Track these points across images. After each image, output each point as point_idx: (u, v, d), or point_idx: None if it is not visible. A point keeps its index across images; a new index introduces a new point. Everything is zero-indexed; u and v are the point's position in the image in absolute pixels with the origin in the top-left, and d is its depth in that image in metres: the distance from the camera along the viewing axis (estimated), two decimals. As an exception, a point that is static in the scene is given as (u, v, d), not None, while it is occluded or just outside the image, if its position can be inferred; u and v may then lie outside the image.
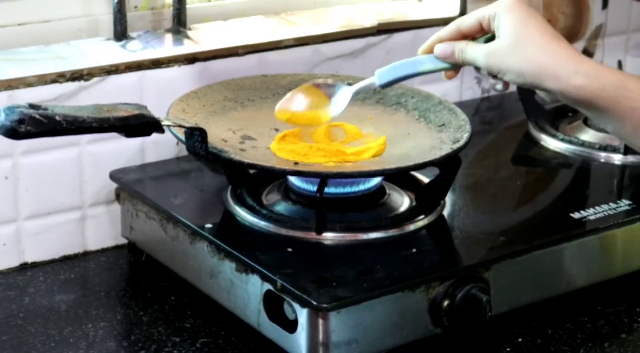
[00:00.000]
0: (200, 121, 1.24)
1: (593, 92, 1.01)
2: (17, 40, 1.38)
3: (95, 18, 1.44)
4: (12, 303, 1.24)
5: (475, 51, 1.08)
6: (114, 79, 1.34)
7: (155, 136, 1.15)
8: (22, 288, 1.28)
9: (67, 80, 1.32)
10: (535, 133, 1.51)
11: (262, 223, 1.21)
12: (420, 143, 1.25)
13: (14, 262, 1.33)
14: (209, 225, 1.21)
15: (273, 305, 1.11)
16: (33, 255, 1.34)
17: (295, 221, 1.20)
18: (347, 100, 1.22)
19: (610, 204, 1.29)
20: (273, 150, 1.23)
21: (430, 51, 1.12)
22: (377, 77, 1.15)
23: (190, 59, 1.40)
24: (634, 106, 1.00)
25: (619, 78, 1.01)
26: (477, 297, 1.13)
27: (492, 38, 1.08)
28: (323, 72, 1.44)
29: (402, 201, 1.27)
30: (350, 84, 1.22)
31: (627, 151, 1.42)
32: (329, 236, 1.18)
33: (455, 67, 1.12)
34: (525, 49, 1.04)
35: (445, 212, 1.26)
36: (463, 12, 1.64)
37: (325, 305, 1.06)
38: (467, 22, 1.10)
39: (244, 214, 1.22)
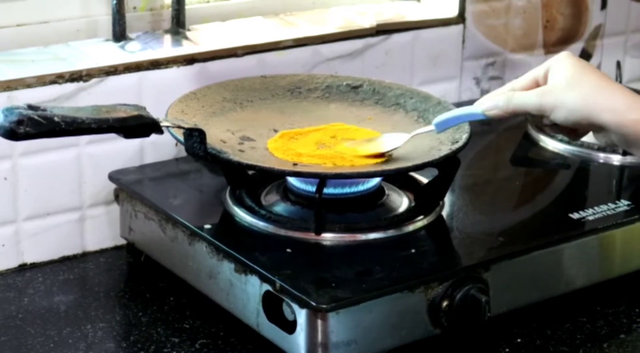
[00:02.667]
0: (199, 122, 1.24)
1: None
2: (16, 41, 1.38)
3: (94, 19, 1.44)
4: (11, 304, 1.24)
5: (525, 94, 1.09)
6: (113, 80, 1.34)
7: (154, 136, 1.15)
8: (21, 289, 1.28)
9: (66, 81, 1.32)
10: (534, 133, 1.51)
11: (261, 224, 1.21)
12: (419, 144, 1.25)
13: (13, 263, 1.33)
14: (208, 226, 1.21)
15: (272, 305, 1.11)
16: (32, 256, 1.34)
17: (294, 222, 1.20)
18: (404, 139, 1.22)
19: (609, 204, 1.29)
20: (270, 148, 1.23)
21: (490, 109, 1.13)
22: (435, 126, 1.18)
23: (189, 59, 1.40)
24: None
25: None
26: (476, 298, 1.13)
27: None
28: (322, 73, 1.44)
29: (401, 201, 1.27)
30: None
31: (626, 151, 1.42)
32: (328, 237, 1.18)
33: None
34: (581, 86, 1.05)
35: (444, 213, 1.26)
36: (462, 12, 1.64)
37: (324, 306, 1.06)
38: (522, 81, 1.11)
39: (243, 215, 1.22)
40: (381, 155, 1.21)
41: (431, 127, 1.19)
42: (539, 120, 1.11)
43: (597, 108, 1.04)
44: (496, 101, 1.11)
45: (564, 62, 1.08)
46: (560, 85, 1.07)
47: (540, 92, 1.08)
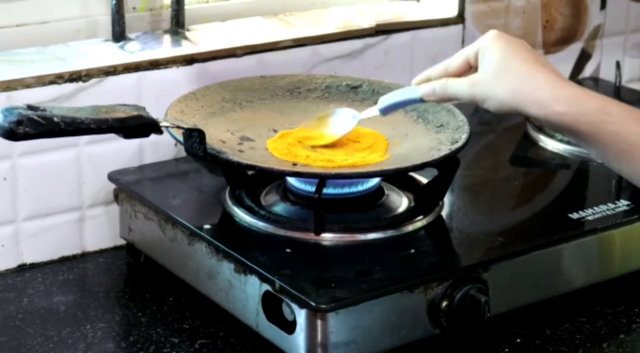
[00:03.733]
0: (199, 122, 1.24)
1: (575, 117, 1.00)
2: (15, 41, 1.38)
3: (94, 19, 1.44)
4: (10, 305, 1.24)
5: (458, 84, 1.09)
6: (112, 80, 1.34)
7: (153, 137, 1.15)
8: (20, 289, 1.28)
9: (66, 81, 1.32)
10: (534, 133, 1.51)
11: (260, 224, 1.21)
12: (418, 144, 1.25)
13: (12, 263, 1.33)
14: (207, 226, 1.21)
15: (272, 305, 1.11)
16: (31, 256, 1.34)
17: (294, 222, 1.20)
18: (353, 124, 1.24)
19: (609, 204, 1.29)
20: (269, 148, 1.23)
21: (422, 81, 1.14)
22: (380, 112, 1.19)
23: (189, 60, 1.40)
24: (615, 131, 0.99)
25: (601, 104, 1.00)
26: (475, 298, 1.13)
27: None
28: (321, 73, 1.44)
29: (401, 201, 1.27)
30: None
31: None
32: (328, 237, 1.18)
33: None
34: (506, 77, 1.04)
35: (444, 213, 1.26)
36: (461, 12, 1.64)
37: (323, 306, 1.06)
38: (455, 63, 1.11)
39: (242, 215, 1.22)
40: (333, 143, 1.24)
41: (375, 112, 1.19)
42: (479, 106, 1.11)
43: (524, 101, 1.03)
44: (433, 88, 1.11)
45: (492, 46, 1.06)
46: (488, 75, 1.05)
47: (471, 83, 1.07)
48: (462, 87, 1.08)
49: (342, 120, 1.26)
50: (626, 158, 1.00)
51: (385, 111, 1.19)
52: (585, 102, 1.01)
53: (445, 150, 1.20)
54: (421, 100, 1.13)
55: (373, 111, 1.20)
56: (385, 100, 1.18)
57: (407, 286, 1.11)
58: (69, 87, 1.32)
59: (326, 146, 1.24)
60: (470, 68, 1.10)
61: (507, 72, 1.04)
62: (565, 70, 1.79)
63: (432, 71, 1.13)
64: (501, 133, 1.57)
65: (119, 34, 1.41)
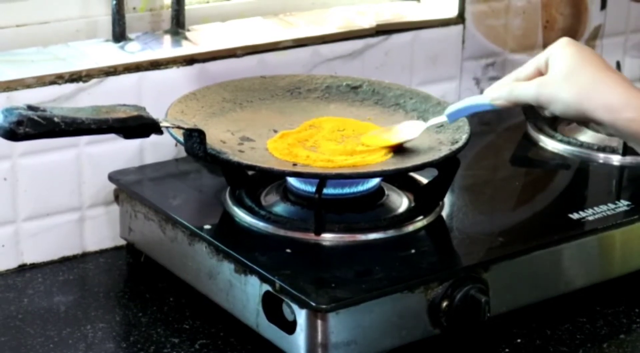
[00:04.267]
0: (199, 122, 1.24)
1: None
2: (15, 41, 1.38)
3: (94, 19, 1.44)
4: (10, 305, 1.24)
5: (525, 86, 1.09)
6: (112, 80, 1.34)
7: (154, 137, 1.15)
8: (20, 289, 1.28)
9: (66, 81, 1.32)
10: (534, 133, 1.51)
11: (260, 224, 1.21)
12: (418, 144, 1.25)
13: (12, 263, 1.33)
14: (207, 226, 1.21)
15: (272, 306, 1.11)
16: (32, 256, 1.34)
17: (294, 222, 1.20)
18: (420, 131, 1.24)
19: (609, 205, 1.29)
20: (270, 148, 1.23)
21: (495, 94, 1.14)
22: (447, 117, 1.19)
23: (189, 60, 1.40)
24: None
25: None
26: (475, 298, 1.13)
27: None
28: (322, 73, 1.44)
29: (401, 202, 1.27)
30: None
31: (626, 151, 1.42)
32: (328, 237, 1.18)
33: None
34: (577, 79, 1.04)
35: (444, 213, 1.26)
36: (462, 13, 1.64)
37: (324, 306, 1.06)
38: (525, 71, 1.11)
39: (242, 216, 1.22)
40: (396, 147, 1.23)
41: (444, 118, 1.20)
42: (542, 111, 1.11)
43: (592, 105, 1.03)
44: (500, 92, 1.11)
45: (563, 51, 1.07)
46: (558, 77, 1.06)
47: (539, 84, 1.07)
48: (529, 88, 1.08)
49: (408, 128, 1.25)
50: None
51: (453, 116, 1.19)
52: None
53: (445, 150, 1.20)
54: (490, 105, 1.13)
55: (440, 118, 1.21)
56: (453, 107, 1.19)
57: (407, 287, 1.11)
58: (69, 87, 1.32)
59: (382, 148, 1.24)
60: (540, 74, 1.10)
61: (577, 75, 1.04)
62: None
63: (503, 80, 1.14)
64: (501, 133, 1.57)
65: (119, 34, 1.41)
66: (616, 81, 1.04)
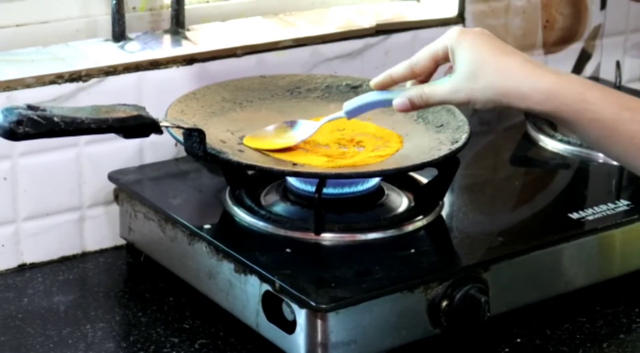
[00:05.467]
0: (199, 122, 1.24)
1: (554, 106, 1.01)
2: (15, 41, 1.38)
3: (94, 19, 1.44)
4: (10, 304, 1.24)
5: (440, 92, 1.08)
6: (112, 80, 1.34)
7: (153, 137, 1.15)
8: (20, 289, 1.28)
9: (66, 81, 1.32)
10: (534, 133, 1.51)
11: (260, 224, 1.21)
12: (418, 144, 1.25)
13: (12, 263, 1.33)
14: (207, 226, 1.21)
15: (272, 305, 1.11)
16: (32, 256, 1.34)
17: (294, 222, 1.20)
18: (316, 127, 1.23)
19: (609, 204, 1.29)
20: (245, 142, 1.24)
21: (382, 85, 1.14)
22: (346, 114, 1.18)
23: (189, 59, 1.40)
24: (594, 117, 1.00)
25: (579, 90, 1.01)
26: (475, 298, 1.13)
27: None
28: (321, 73, 1.44)
29: (401, 201, 1.27)
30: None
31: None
32: (328, 237, 1.18)
33: None
34: (482, 76, 1.04)
35: (444, 213, 1.26)
36: (461, 12, 1.64)
37: (323, 306, 1.06)
38: (421, 63, 1.10)
39: (242, 215, 1.22)
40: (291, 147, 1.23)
41: (341, 113, 1.19)
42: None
43: (505, 98, 1.03)
44: (410, 99, 1.10)
45: (460, 46, 1.06)
46: (464, 80, 1.05)
47: (451, 91, 1.06)
48: (444, 95, 1.08)
49: (304, 127, 1.25)
50: (608, 141, 1.01)
51: (352, 113, 1.18)
52: (562, 90, 1.01)
53: (445, 150, 1.20)
54: (390, 103, 1.13)
55: (339, 114, 1.20)
56: (351, 103, 1.18)
57: (407, 286, 1.11)
58: (69, 87, 1.32)
59: (281, 150, 1.23)
60: (437, 66, 1.10)
61: (481, 72, 1.04)
62: (566, 70, 1.78)
63: (394, 71, 1.13)
64: (501, 133, 1.57)
65: (119, 34, 1.42)
66: (518, 67, 1.03)
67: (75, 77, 1.32)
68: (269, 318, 1.12)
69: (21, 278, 1.31)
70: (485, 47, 1.05)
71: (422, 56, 1.11)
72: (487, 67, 1.04)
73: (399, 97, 1.12)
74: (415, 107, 1.11)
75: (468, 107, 1.09)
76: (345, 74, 1.45)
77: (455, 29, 1.08)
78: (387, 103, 1.14)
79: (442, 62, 1.10)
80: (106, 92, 1.33)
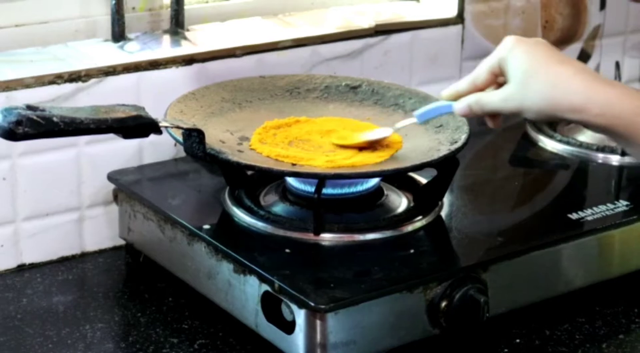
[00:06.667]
0: (198, 122, 1.24)
1: (610, 120, 1.00)
2: (14, 41, 1.38)
3: (93, 19, 1.44)
4: (9, 305, 1.24)
5: (492, 101, 1.08)
6: (111, 80, 1.34)
7: (153, 137, 1.15)
8: (19, 289, 1.28)
9: (65, 81, 1.32)
10: (533, 133, 1.51)
11: (259, 224, 1.21)
12: (418, 144, 1.25)
13: (11, 263, 1.33)
14: (206, 226, 1.21)
15: (271, 306, 1.11)
16: (31, 256, 1.34)
17: (293, 222, 1.20)
18: (388, 132, 1.25)
19: (608, 205, 1.29)
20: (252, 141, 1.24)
21: (449, 98, 1.14)
22: (417, 118, 1.20)
23: (188, 60, 1.40)
24: None
25: (635, 104, 0.99)
26: (474, 298, 1.13)
27: None
28: (321, 73, 1.44)
29: (400, 202, 1.27)
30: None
31: (625, 151, 1.42)
32: (327, 237, 1.18)
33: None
34: (535, 87, 1.03)
35: (443, 213, 1.26)
36: (461, 12, 1.64)
37: (322, 306, 1.06)
38: (481, 76, 1.11)
39: (241, 216, 1.22)
40: (366, 146, 1.23)
41: (413, 119, 1.21)
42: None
43: (558, 108, 1.02)
44: (468, 105, 1.11)
45: (513, 56, 1.06)
46: (515, 90, 1.05)
47: (503, 99, 1.07)
48: (496, 103, 1.08)
49: (379, 131, 1.26)
50: None
51: (422, 117, 1.20)
52: (618, 103, 1.00)
53: (444, 150, 1.20)
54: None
55: (411, 119, 1.22)
56: (422, 109, 1.20)
57: (406, 287, 1.11)
58: (68, 87, 1.32)
59: (351, 147, 1.24)
60: (496, 78, 1.10)
61: (534, 82, 1.03)
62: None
63: (459, 85, 1.13)
64: (501, 133, 1.56)
65: (118, 34, 1.41)
66: (571, 78, 1.02)
67: (74, 77, 1.32)
68: (268, 318, 1.12)
69: (20, 278, 1.31)
70: (538, 56, 1.04)
71: (481, 70, 1.11)
72: (538, 76, 1.03)
73: (460, 102, 1.12)
74: (473, 113, 1.11)
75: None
76: (344, 74, 1.45)
77: (510, 39, 1.07)
78: (451, 108, 1.15)
79: (500, 74, 1.09)
80: (105, 93, 1.33)
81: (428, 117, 1.20)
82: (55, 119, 1.06)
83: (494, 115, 1.13)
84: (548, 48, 1.06)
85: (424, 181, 1.29)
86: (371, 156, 1.22)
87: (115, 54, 1.38)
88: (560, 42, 1.77)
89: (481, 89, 1.12)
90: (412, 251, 1.17)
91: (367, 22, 1.55)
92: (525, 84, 1.04)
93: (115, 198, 1.36)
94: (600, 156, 1.44)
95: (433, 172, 1.25)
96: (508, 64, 1.06)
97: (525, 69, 1.05)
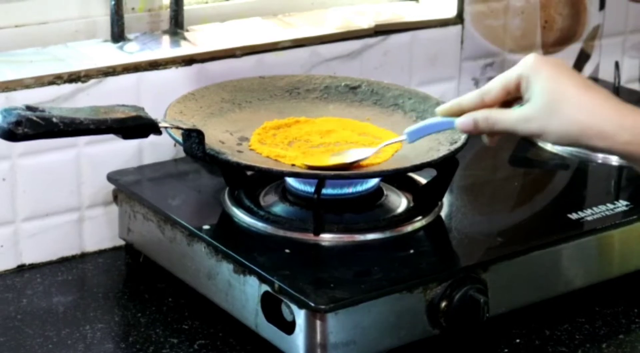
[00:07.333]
0: (198, 123, 1.24)
1: (638, 147, 0.97)
2: (14, 41, 1.38)
3: (93, 20, 1.44)
4: (9, 305, 1.24)
5: (507, 119, 1.04)
6: (111, 80, 1.34)
7: (152, 137, 1.15)
8: (19, 289, 1.28)
9: (65, 82, 1.32)
10: (533, 133, 1.51)
11: (259, 225, 1.21)
12: (417, 144, 1.25)
13: (11, 264, 1.33)
14: (206, 227, 1.21)
15: (271, 306, 1.11)
16: (30, 257, 1.34)
17: (293, 223, 1.20)
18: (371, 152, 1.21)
19: (608, 205, 1.29)
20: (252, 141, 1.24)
21: (449, 113, 1.10)
22: (407, 136, 1.16)
23: (188, 60, 1.40)
24: None
25: None
26: (474, 298, 1.13)
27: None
28: (320, 73, 1.44)
29: (400, 202, 1.27)
30: None
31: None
32: (327, 238, 1.18)
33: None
34: (562, 110, 1.00)
35: (443, 213, 1.26)
36: (460, 13, 1.64)
37: (322, 307, 1.06)
38: (493, 92, 1.06)
39: (241, 216, 1.22)
40: (347, 166, 1.19)
41: (403, 137, 1.17)
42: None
43: (585, 134, 0.99)
44: (474, 121, 1.07)
45: (538, 76, 1.02)
46: (539, 110, 1.01)
47: (524, 119, 1.02)
48: (512, 123, 1.03)
49: (359, 152, 1.22)
50: None
51: (413, 135, 1.16)
52: None
53: (444, 150, 1.20)
54: (453, 126, 1.10)
55: (400, 137, 1.18)
56: (414, 126, 1.16)
57: (406, 287, 1.11)
58: (68, 87, 1.32)
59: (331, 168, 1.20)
60: (509, 95, 1.05)
61: (562, 105, 1.00)
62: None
63: (464, 100, 1.08)
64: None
65: (118, 35, 1.42)
66: (602, 104, 1.00)
67: (74, 77, 1.32)
68: (268, 318, 1.12)
69: (20, 278, 1.31)
70: (567, 80, 1.01)
71: (494, 85, 1.06)
72: (568, 101, 1.00)
73: (464, 117, 1.07)
74: (478, 130, 1.07)
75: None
76: (344, 74, 1.45)
77: (531, 57, 1.03)
78: (449, 125, 1.10)
79: (514, 92, 1.04)
80: (105, 93, 1.33)
81: (420, 136, 1.16)
82: (54, 119, 1.06)
83: (495, 133, 1.08)
84: (573, 71, 1.03)
85: (423, 181, 1.29)
86: (371, 157, 1.22)
87: (114, 55, 1.38)
88: (560, 42, 1.77)
89: (488, 105, 1.06)
90: (412, 251, 1.17)
91: (366, 23, 1.55)
92: (552, 107, 1.00)
93: (115, 198, 1.36)
94: (600, 156, 1.44)
95: (433, 172, 1.25)
96: (532, 83, 1.02)
97: (553, 91, 1.00)
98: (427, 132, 1.16)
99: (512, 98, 1.06)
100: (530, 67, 1.03)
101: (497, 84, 1.06)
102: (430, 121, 1.15)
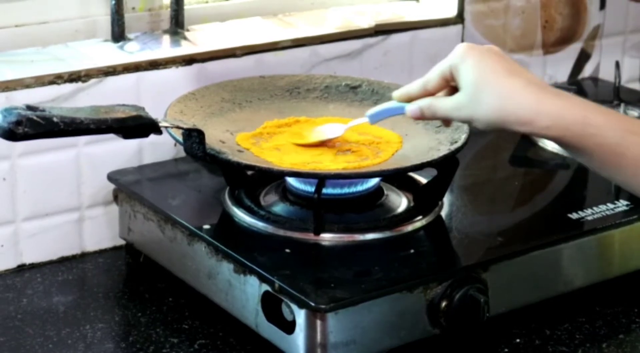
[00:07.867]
0: (198, 122, 1.24)
1: (558, 131, 0.99)
2: (14, 41, 1.38)
3: (93, 19, 1.44)
4: (9, 305, 1.24)
5: (444, 106, 1.07)
6: (111, 80, 1.34)
7: (153, 137, 1.15)
8: (19, 289, 1.28)
9: (65, 81, 1.32)
10: (533, 133, 1.51)
11: (260, 224, 1.21)
12: (418, 144, 1.25)
13: (11, 264, 1.33)
14: (207, 226, 1.21)
15: (271, 306, 1.11)
16: (31, 257, 1.34)
17: (293, 222, 1.20)
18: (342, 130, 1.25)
19: (608, 205, 1.29)
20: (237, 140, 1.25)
21: (401, 99, 1.13)
22: (369, 118, 1.19)
23: (188, 60, 1.40)
24: (599, 142, 0.98)
25: (582, 114, 0.99)
26: (475, 298, 1.13)
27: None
28: (320, 73, 1.44)
29: (400, 202, 1.27)
30: None
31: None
32: (327, 237, 1.18)
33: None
34: (484, 98, 1.03)
35: (443, 213, 1.26)
36: (461, 12, 1.64)
37: (323, 306, 1.06)
38: (433, 81, 1.09)
39: (241, 216, 1.22)
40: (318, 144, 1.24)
41: (365, 119, 1.19)
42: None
43: (507, 120, 1.02)
44: (420, 109, 1.10)
45: (464, 64, 1.04)
46: (466, 99, 1.04)
47: (456, 107, 1.06)
48: (448, 110, 1.07)
49: (332, 127, 1.26)
50: (613, 166, 0.99)
51: (374, 117, 1.19)
52: (566, 115, 0.99)
53: (444, 150, 1.20)
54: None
55: (362, 119, 1.20)
56: (374, 109, 1.19)
57: (406, 287, 1.11)
58: (68, 87, 1.32)
59: (310, 146, 1.24)
60: (448, 83, 1.08)
61: (484, 93, 1.03)
62: (565, 70, 1.79)
63: (411, 87, 1.12)
64: (500, 133, 1.56)
65: (118, 35, 1.42)
66: (522, 89, 1.01)
67: (74, 77, 1.32)
68: (269, 318, 1.12)
69: (20, 278, 1.31)
70: (489, 67, 1.03)
71: (432, 75, 1.09)
72: (488, 88, 1.03)
73: (412, 105, 1.11)
74: (424, 117, 1.10)
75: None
76: (344, 74, 1.45)
77: (460, 46, 1.06)
78: (402, 110, 1.13)
79: (451, 80, 1.07)
80: (105, 93, 1.33)
81: (380, 118, 1.18)
82: (55, 119, 1.06)
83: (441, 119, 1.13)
84: (499, 58, 1.05)
85: (424, 181, 1.29)
86: (371, 158, 1.22)
87: (115, 54, 1.38)
88: (560, 42, 1.77)
89: (432, 93, 1.10)
90: (412, 251, 1.17)
91: (366, 22, 1.55)
92: (475, 96, 1.03)
93: (115, 198, 1.36)
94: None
95: (433, 172, 1.25)
96: (460, 73, 1.05)
97: (475, 80, 1.03)
98: (385, 115, 1.18)
99: (455, 85, 1.08)
100: (458, 56, 1.06)
101: (435, 74, 1.09)
102: (388, 105, 1.17)
